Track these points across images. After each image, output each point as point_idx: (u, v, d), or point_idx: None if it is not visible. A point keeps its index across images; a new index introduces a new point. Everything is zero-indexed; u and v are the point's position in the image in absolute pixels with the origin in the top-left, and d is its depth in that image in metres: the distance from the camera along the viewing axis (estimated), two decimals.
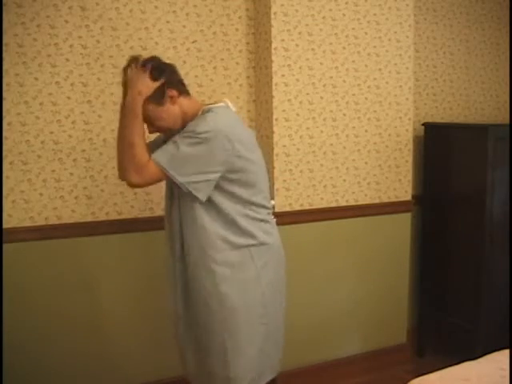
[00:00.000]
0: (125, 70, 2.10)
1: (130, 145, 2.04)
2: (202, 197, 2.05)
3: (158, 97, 2.08)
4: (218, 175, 2.04)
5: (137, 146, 2.03)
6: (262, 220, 2.19)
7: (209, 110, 2.10)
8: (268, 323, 2.22)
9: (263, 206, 2.21)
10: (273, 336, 2.27)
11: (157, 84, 2.07)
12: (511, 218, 3.18)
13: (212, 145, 2.00)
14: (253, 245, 2.15)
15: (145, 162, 2.02)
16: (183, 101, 2.15)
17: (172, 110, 2.12)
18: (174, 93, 2.11)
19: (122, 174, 2.13)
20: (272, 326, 2.24)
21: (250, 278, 2.16)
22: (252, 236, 2.15)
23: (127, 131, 2.05)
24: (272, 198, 2.60)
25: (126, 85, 2.10)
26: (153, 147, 2.14)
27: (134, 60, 2.10)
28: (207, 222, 2.09)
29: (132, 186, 2.12)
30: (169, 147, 2.03)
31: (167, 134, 2.21)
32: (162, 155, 2.03)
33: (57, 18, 2.66)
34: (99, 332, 2.89)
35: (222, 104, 2.17)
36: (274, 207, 2.63)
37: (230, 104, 2.20)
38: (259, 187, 2.18)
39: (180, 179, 2.02)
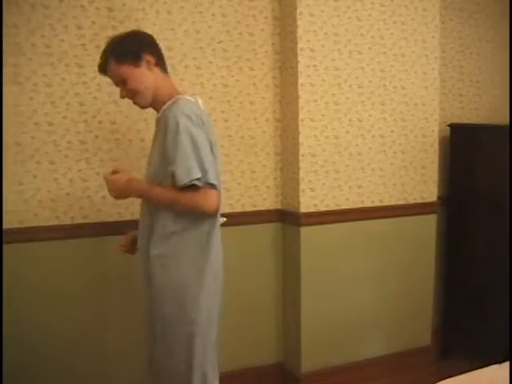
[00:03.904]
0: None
1: (174, 204, 2.02)
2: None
3: (133, 57, 2.04)
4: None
5: (177, 201, 2.01)
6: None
7: (177, 100, 2.03)
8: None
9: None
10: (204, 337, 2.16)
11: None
12: (511, 217, 3.15)
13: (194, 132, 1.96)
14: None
15: (196, 199, 1.99)
16: (159, 73, 2.11)
17: (147, 75, 2.07)
18: (151, 59, 2.07)
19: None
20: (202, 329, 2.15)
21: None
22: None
23: (162, 203, 2.06)
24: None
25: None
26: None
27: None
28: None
29: (215, 211, 2.05)
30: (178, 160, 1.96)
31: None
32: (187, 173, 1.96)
33: (83, 18, 2.67)
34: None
35: (190, 98, 2.08)
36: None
37: (199, 101, 2.13)
38: None
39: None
